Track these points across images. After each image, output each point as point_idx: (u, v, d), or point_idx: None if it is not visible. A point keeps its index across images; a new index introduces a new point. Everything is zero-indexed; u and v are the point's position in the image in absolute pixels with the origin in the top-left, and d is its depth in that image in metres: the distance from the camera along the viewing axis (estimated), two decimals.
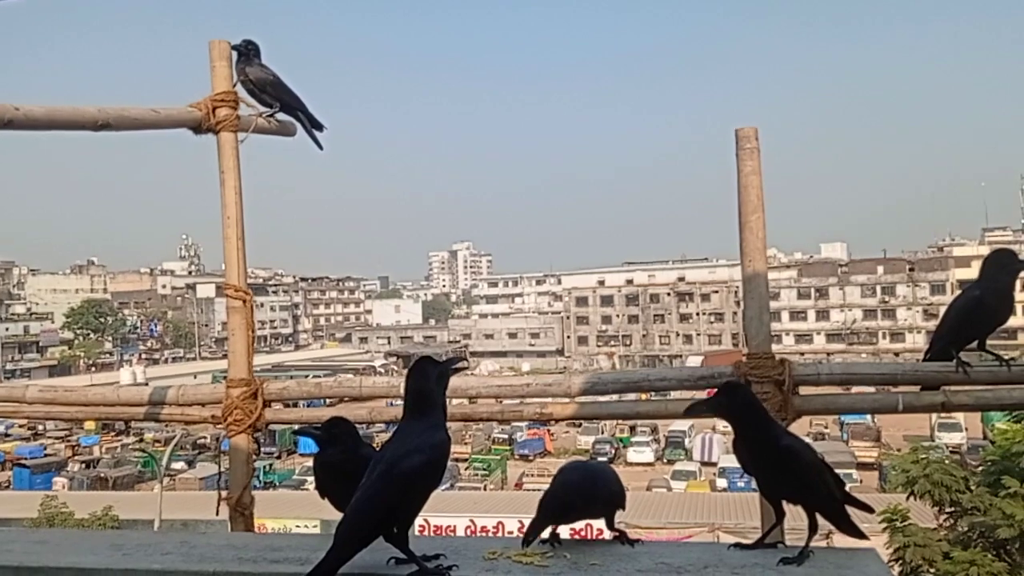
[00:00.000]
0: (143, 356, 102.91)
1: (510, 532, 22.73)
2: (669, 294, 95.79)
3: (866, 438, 46.03)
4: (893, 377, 3.02)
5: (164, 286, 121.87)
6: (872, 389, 3.16)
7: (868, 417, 46.02)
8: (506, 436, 50.71)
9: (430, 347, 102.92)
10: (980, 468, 15.37)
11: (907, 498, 14.17)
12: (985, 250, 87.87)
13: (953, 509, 13.52)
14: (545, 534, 2.33)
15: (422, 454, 2.09)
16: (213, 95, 3.90)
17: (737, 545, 2.18)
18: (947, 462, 14.30)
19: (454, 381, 3.59)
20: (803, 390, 3.04)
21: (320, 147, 4.30)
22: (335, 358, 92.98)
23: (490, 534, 23.40)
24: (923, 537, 13.09)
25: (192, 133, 3.92)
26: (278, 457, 48.13)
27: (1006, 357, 2.87)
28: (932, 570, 12.42)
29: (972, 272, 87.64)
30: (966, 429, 44.22)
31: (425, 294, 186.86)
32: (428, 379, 2.18)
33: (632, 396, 3.47)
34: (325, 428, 2.58)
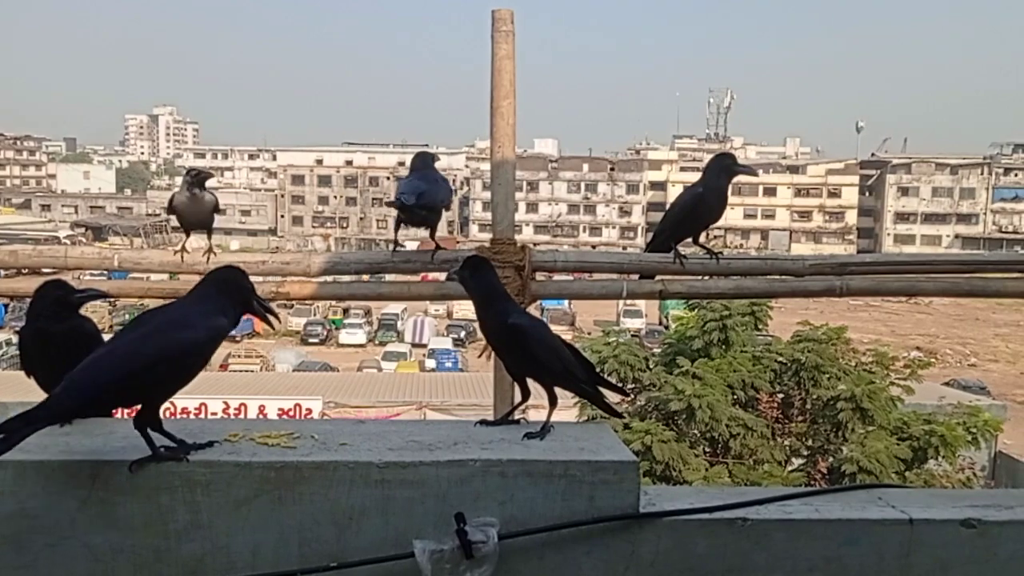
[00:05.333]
0: None
1: (214, 413, 22.20)
2: (389, 178, 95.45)
3: (563, 322, 50.03)
4: (620, 266, 3.25)
5: None
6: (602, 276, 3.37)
7: (565, 303, 49.94)
8: None
9: (125, 219, 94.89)
10: (658, 350, 17.35)
11: None
12: (675, 155, 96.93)
13: (634, 386, 15.20)
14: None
15: (196, 330, 1.90)
16: None
17: (483, 422, 2.25)
18: (634, 345, 15.95)
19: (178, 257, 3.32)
20: (539, 276, 3.17)
21: None
22: (11, 226, 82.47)
23: (191, 415, 22.59)
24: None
25: None
26: None
27: (716, 250, 3.20)
28: None
29: (662, 174, 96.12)
30: (646, 316, 49.46)
31: (120, 161, 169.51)
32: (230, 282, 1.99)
33: (367, 277, 3.42)
34: (45, 294, 2.24)
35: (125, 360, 1.84)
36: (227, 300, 1.98)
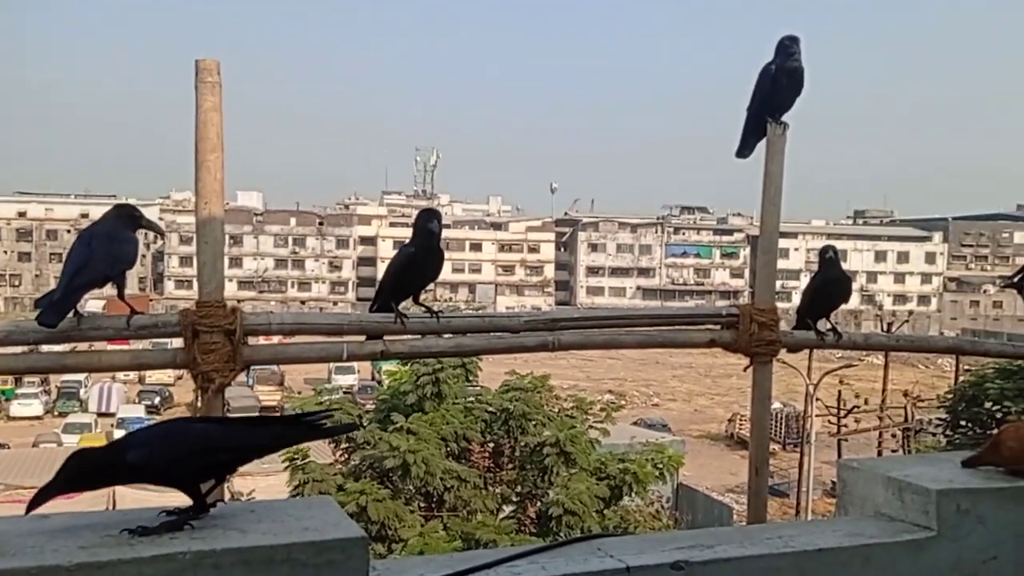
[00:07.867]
0: None
1: None
2: (69, 231, 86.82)
3: (271, 382, 48.15)
4: (340, 327, 3.15)
5: None
6: (320, 338, 3.25)
7: None
8: None
9: None
10: (372, 406, 17.22)
11: None
12: (384, 211, 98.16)
13: (348, 445, 14.91)
14: None
15: None
16: None
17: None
18: (347, 403, 15.70)
19: None
20: (252, 340, 2.98)
21: None
22: None
23: None
24: (320, 473, 14.18)
25: None
26: None
27: (435, 309, 3.22)
28: None
29: (373, 229, 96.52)
30: (358, 371, 49.00)
31: None
32: None
33: (63, 348, 3.01)
34: None
35: None
36: None
